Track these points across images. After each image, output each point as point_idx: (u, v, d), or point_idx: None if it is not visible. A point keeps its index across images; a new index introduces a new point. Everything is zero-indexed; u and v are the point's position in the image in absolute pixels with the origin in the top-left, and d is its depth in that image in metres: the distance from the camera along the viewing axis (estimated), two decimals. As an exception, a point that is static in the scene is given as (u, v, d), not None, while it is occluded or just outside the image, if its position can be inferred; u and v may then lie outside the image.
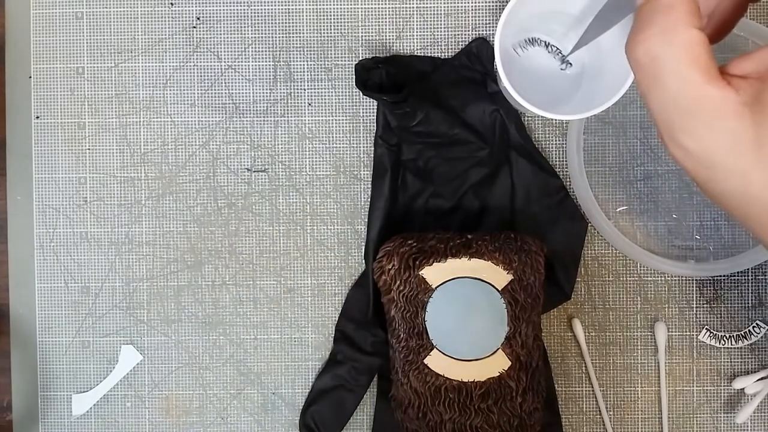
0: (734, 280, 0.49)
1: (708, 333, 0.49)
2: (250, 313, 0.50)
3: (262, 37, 0.50)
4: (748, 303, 0.50)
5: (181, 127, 0.50)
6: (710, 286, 0.50)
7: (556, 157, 0.50)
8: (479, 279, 0.45)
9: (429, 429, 0.45)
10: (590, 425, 0.50)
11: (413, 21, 0.50)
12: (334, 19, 0.50)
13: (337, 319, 0.50)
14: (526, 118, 0.49)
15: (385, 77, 0.48)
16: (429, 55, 0.49)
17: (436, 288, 0.45)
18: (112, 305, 0.50)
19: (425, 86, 0.48)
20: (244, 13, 0.50)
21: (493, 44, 0.43)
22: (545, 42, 0.47)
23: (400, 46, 0.50)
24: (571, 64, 0.46)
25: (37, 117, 0.50)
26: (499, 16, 0.42)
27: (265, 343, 0.50)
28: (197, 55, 0.50)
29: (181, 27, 0.50)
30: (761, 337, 0.49)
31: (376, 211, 0.48)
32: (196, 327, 0.50)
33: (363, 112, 0.50)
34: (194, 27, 0.50)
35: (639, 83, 0.34)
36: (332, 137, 0.50)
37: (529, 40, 0.47)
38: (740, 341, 0.49)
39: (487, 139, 0.48)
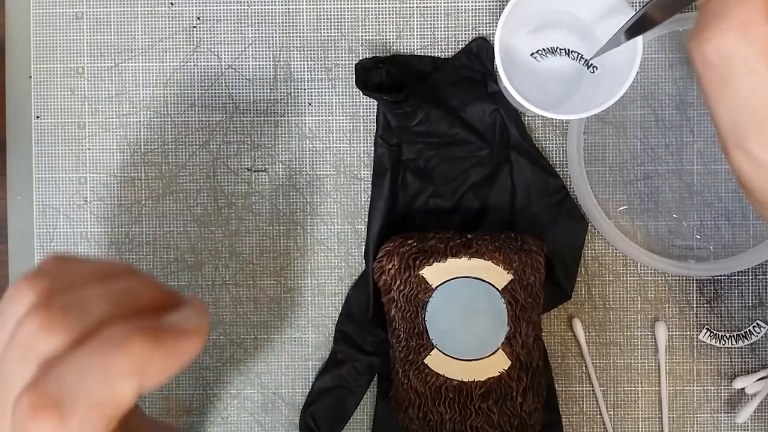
0: (734, 279, 0.49)
1: (708, 333, 0.49)
2: (250, 313, 0.50)
3: (262, 37, 0.50)
4: (749, 303, 0.49)
5: (181, 127, 0.50)
6: (710, 286, 0.50)
7: (556, 157, 0.50)
8: (479, 279, 0.45)
9: (429, 429, 0.45)
10: (590, 425, 0.50)
11: (413, 21, 0.50)
12: (334, 19, 0.50)
13: (337, 319, 0.50)
14: (526, 118, 0.49)
15: (385, 77, 0.48)
16: (429, 54, 0.49)
17: (436, 288, 0.45)
18: (112, 305, 0.50)
19: (425, 86, 0.48)
20: (244, 13, 0.50)
21: (493, 44, 0.43)
22: (566, 50, 0.46)
23: (400, 45, 0.50)
24: (597, 67, 0.46)
25: (38, 117, 0.50)
26: (499, 15, 0.42)
27: (265, 343, 0.50)
28: (197, 55, 0.50)
29: (181, 27, 0.50)
30: (761, 337, 0.49)
31: (376, 211, 0.48)
32: (196, 327, 0.50)
33: (363, 112, 0.50)
34: (194, 27, 0.50)
35: (705, 84, 0.30)
36: (332, 137, 0.50)
37: (550, 49, 0.46)
38: (740, 341, 0.49)
39: (487, 138, 0.48)
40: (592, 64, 0.46)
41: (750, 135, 0.29)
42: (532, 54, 0.47)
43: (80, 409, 0.22)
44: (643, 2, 0.49)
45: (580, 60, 0.46)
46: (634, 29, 0.38)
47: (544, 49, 0.47)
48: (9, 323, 0.25)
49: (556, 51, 0.46)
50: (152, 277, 0.27)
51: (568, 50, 0.46)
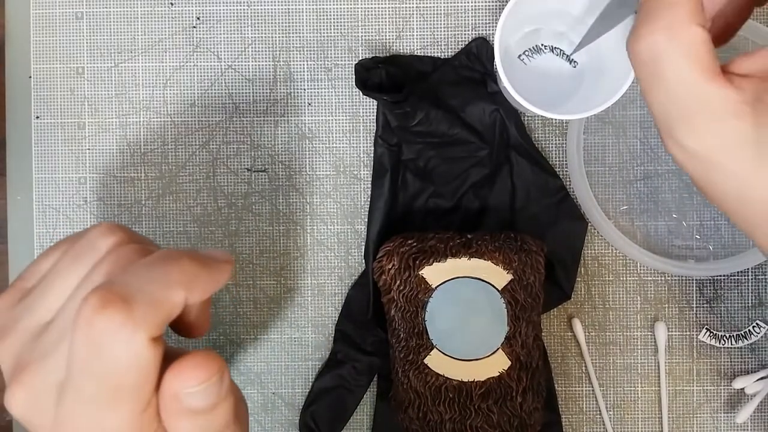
0: (734, 279, 0.49)
1: (708, 333, 0.49)
2: (250, 313, 0.50)
3: (262, 37, 0.50)
4: (749, 303, 0.49)
5: (181, 127, 0.50)
6: (710, 286, 0.50)
7: (555, 157, 0.50)
8: (479, 279, 0.45)
9: (429, 429, 0.45)
10: (590, 425, 0.50)
11: (413, 21, 0.50)
12: (334, 19, 0.50)
13: (337, 319, 0.50)
14: (525, 118, 0.49)
15: (385, 77, 0.48)
16: (429, 54, 0.49)
17: (436, 288, 0.45)
18: (112, 305, 0.50)
19: (425, 86, 0.48)
20: (244, 13, 0.50)
21: (493, 44, 0.43)
22: (550, 47, 0.47)
23: (400, 45, 0.50)
24: (577, 62, 0.46)
25: (37, 117, 0.50)
26: (499, 15, 0.42)
27: (265, 343, 0.50)
28: (197, 55, 0.50)
29: (181, 27, 0.50)
30: (761, 337, 0.49)
31: (376, 211, 0.48)
32: (196, 327, 0.50)
33: (363, 112, 0.50)
34: (194, 27, 0.50)
35: (640, 80, 0.33)
36: (332, 137, 0.50)
37: (535, 48, 0.47)
38: (740, 341, 0.49)
39: (487, 138, 0.48)
40: (573, 59, 0.46)
41: (678, 127, 0.32)
42: (519, 56, 0.47)
43: (142, 305, 0.26)
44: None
45: (562, 56, 0.46)
46: (604, 23, 0.40)
47: (530, 49, 0.47)
48: (95, 255, 0.31)
49: (540, 49, 0.47)
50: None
51: (552, 47, 0.47)
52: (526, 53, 0.47)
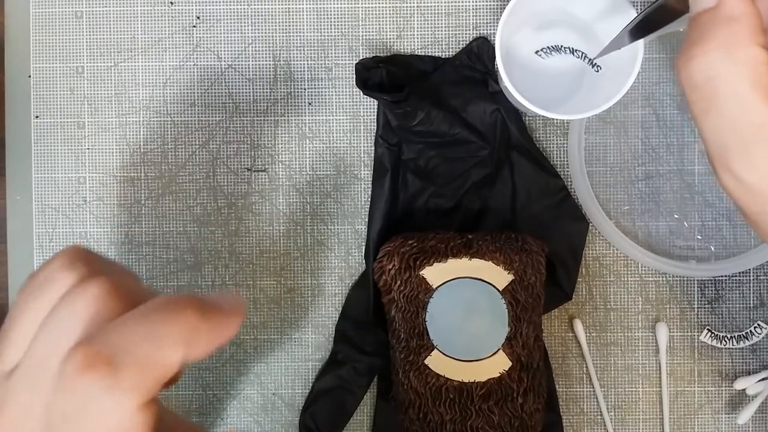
0: (736, 280, 0.49)
1: (709, 333, 0.49)
2: (250, 314, 0.50)
3: (262, 36, 0.50)
4: (750, 303, 0.49)
5: (181, 126, 0.50)
6: (712, 287, 0.49)
7: (557, 157, 0.50)
8: (480, 279, 0.44)
9: (429, 429, 0.44)
10: (591, 426, 0.50)
11: (414, 20, 0.50)
12: (334, 18, 0.50)
13: (337, 319, 0.49)
14: (527, 118, 0.49)
15: (386, 77, 0.47)
16: (430, 54, 0.49)
17: (436, 288, 0.44)
18: (111, 305, 0.50)
19: (426, 86, 0.48)
20: (244, 12, 0.50)
21: (494, 43, 0.43)
22: (570, 48, 0.46)
23: (400, 45, 0.50)
24: (600, 66, 0.45)
25: (37, 116, 0.50)
26: (500, 15, 0.42)
27: (265, 344, 0.50)
28: (197, 55, 0.50)
29: (180, 26, 0.50)
30: (763, 338, 0.49)
31: (376, 211, 0.48)
32: (196, 327, 0.50)
33: (363, 112, 0.50)
34: (194, 26, 0.50)
35: (691, 103, 0.30)
36: (332, 137, 0.50)
37: (555, 47, 0.46)
38: (742, 342, 0.49)
39: (487, 138, 0.48)
40: (596, 63, 0.45)
41: (735, 157, 0.29)
42: (536, 51, 0.46)
43: (130, 368, 0.23)
44: (644, 2, 0.49)
45: (584, 59, 0.46)
46: (637, 30, 0.37)
47: (549, 47, 0.46)
48: (56, 289, 0.26)
49: (561, 49, 0.46)
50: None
51: (573, 49, 0.46)
52: (545, 50, 0.46)
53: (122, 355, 0.24)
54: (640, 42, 0.42)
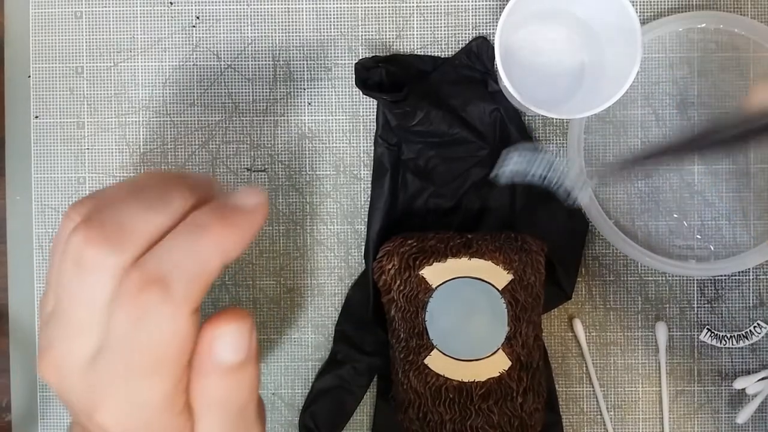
0: (735, 279, 0.49)
1: (709, 333, 0.49)
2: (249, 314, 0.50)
3: (261, 36, 0.50)
4: (749, 303, 0.49)
5: (181, 126, 0.50)
6: (711, 286, 0.49)
7: (556, 157, 0.50)
8: (479, 279, 0.44)
9: (429, 429, 0.44)
10: (591, 425, 0.50)
11: (413, 20, 0.50)
12: (334, 18, 0.50)
13: (336, 319, 0.49)
14: (526, 118, 0.49)
15: (385, 76, 0.47)
16: (429, 54, 0.49)
17: (436, 288, 0.44)
18: (111, 305, 0.50)
19: (425, 85, 0.48)
20: (244, 12, 0.50)
21: (494, 43, 0.43)
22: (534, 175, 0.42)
23: (400, 45, 0.50)
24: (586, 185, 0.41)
25: (36, 117, 0.50)
26: (500, 15, 0.42)
27: (264, 344, 0.50)
28: (197, 55, 0.50)
29: (180, 26, 0.50)
30: (762, 337, 0.49)
31: (376, 211, 0.48)
32: (196, 327, 0.50)
33: (363, 112, 0.50)
34: (194, 26, 0.50)
35: None
36: (332, 137, 0.50)
37: (538, 47, 0.42)
38: (741, 341, 0.49)
39: (487, 138, 0.48)
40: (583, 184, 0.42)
41: None
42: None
43: (179, 283, 0.27)
44: (643, 1, 0.49)
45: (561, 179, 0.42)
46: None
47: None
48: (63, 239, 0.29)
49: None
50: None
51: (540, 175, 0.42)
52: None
53: (170, 272, 0.27)
54: (640, 42, 0.42)
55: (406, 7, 0.50)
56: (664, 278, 0.50)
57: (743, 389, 0.49)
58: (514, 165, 0.38)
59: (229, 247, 0.28)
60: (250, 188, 0.30)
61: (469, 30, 0.50)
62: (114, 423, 0.28)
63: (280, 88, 0.50)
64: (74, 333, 0.28)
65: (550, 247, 0.46)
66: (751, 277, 0.49)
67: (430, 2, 0.49)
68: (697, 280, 0.49)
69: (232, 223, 0.28)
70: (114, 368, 0.28)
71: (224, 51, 0.50)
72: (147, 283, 0.27)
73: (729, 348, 0.49)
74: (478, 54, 0.48)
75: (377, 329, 0.48)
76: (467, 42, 0.49)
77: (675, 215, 0.49)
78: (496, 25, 0.42)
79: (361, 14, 0.50)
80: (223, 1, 0.50)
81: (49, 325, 0.29)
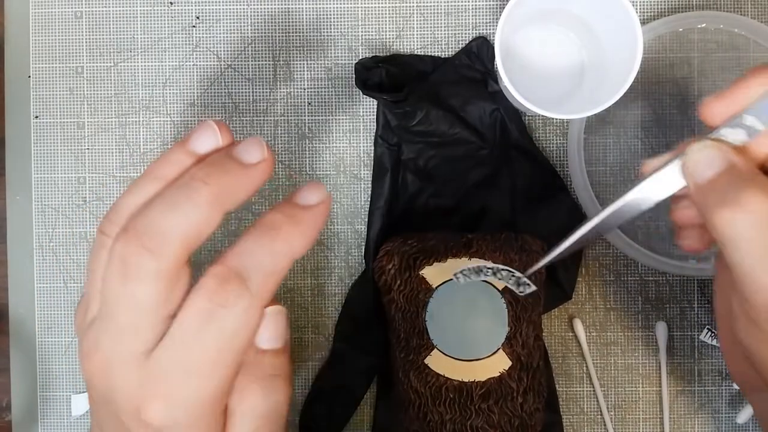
0: (735, 279, 0.49)
1: (709, 333, 0.49)
2: (249, 314, 0.50)
3: (261, 36, 0.50)
4: (750, 303, 0.49)
5: (181, 126, 0.50)
6: (711, 286, 0.49)
7: (556, 157, 0.50)
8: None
9: (429, 429, 0.44)
10: (591, 425, 0.50)
11: (413, 20, 0.50)
12: (334, 18, 0.50)
13: (337, 319, 0.49)
14: (526, 118, 0.49)
15: (385, 76, 0.47)
16: (429, 54, 0.49)
17: (436, 288, 0.44)
18: (111, 305, 0.50)
19: (425, 85, 0.48)
20: (244, 12, 0.50)
21: (494, 43, 0.43)
22: (493, 269, 0.41)
23: (400, 45, 0.50)
24: (529, 285, 0.41)
25: (37, 117, 0.50)
26: (500, 15, 0.42)
27: (264, 344, 0.50)
28: (197, 55, 0.50)
29: (180, 26, 0.50)
30: (763, 337, 0.49)
31: (376, 211, 0.48)
32: (196, 327, 0.50)
33: (363, 112, 0.50)
34: (194, 26, 0.50)
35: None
36: (332, 137, 0.50)
37: (476, 269, 0.42)
38: (742, 341, 0.49)
39: (487, 138, 0.48)
40: (524, 281, 0.41)
41: None
42: (455, 274, 0.41)
43: (257, 278, 0.30)
44: (642, 1, 0.49)
45: (510, 279, 0.42)
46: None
47: (469, 269, 0.42)
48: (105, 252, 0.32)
49: (480, 271, 0.42)
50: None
51: (496, 269, 0.41)
52: (464, 273, 0.42)
53: (248, 268, 0.30)
54: (640, 42, 0.42)
55: (406, 7, 0.50)
56: (664, 278, 0.50)
57: (743, 389, 0.49)
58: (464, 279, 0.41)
59: (298, 244, 0.31)
60: (313, 184, 0.32)
61: (469, 30, 0.50)
62: (162, 417, 0.29)
63: (280, 88, 0.50)
64: (124, 334, 0.30)
65: (550, 247, 0.46)
66: (751, 277, 0.49)
67: (430, 2, 0.49)
68: (697, 280, 0.49)
69: (299, 221, 0.31)
70: (172, 365, 0.29)
71: (224, 51, 0.50)
72: (227, 277, 0.29)
73: (729, 348, 0.49)
74: (479, 54, 0.48)
75: (377, 329, 0.48)
76: (467, 42, 0.49)
77: (675, 215, 0.49)
78: (496, 25, 0.42)
79: (361, 14, 0.50)
80: (223, 1, 0.50)
81: (94, 329, 0.31)
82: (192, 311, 0.29)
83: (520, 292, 0.41)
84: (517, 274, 0.41)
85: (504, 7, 0.42)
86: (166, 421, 0.29)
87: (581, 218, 0.49)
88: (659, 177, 0.35)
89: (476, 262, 0.43)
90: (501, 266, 0.41)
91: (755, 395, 0.37)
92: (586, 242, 0.38)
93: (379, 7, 0.50)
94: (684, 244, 0.37)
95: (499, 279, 0.41)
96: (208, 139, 0.32)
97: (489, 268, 0.41)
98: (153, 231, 0.29)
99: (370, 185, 0.49)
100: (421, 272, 0.44)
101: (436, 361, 0.44)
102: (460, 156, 0.48)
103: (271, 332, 0.32)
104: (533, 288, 0.41)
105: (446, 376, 0.44)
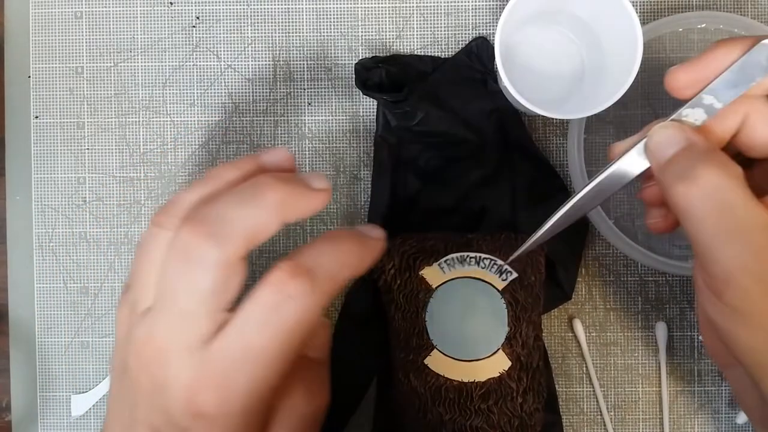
0: (735, 280, 0.49)
1: (709, 333, 0.49)
2: (249, 314, 0.50)
3: (261, 36, 0.50)
4: (750, 303, 0.49)
5: (181, 126, 0.50)
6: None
7: (556, 157, 0.50)
8: (479, 279, 0.44)
9: (429, 429, 0.44)
10: (591, 426, 0.50)
11: (413, 20, 0.50)
12: (334, 18, 0.50)
13: (337, 319, 0.49)
14: (526, 118, 0.49)
15: (385, 77, 0.47)
16: (429, 54, 0.49)
17: (436, 288, 0.44)
18: (111, 305, 0.50)
19: (425, 86, 0.48)
20: (244, 12, 0.50)
21: (494, 43, 0.43)
22: (476, 258, 0.44)
23: (400, 45, 0.50)
24: (511, 272, 0.44)
25: (37, 117, 0.50)
26: (500, 15, 0.42)
27: (264, 344, 0.50)
28: (197, 55, 0.50)
29: (180, 26, 0.50)
30: (763, 338, 0.49)
31: (376, 211, 0.48)
32: (196, 327, 0.50)
33: (363, 112, 0.50)
34: (194, 26, 0.50)
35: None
36: (332, 137, 0.50)
37: (460, 258, 0.44)
38: (741, 341, 0.49)
39: (487, 138, 0.48)
40: (506, 268, 0.44)
41: None
42: (439, 263, 0.44)
43: (325, 278, 0.31)
44: (642, 1, 0.49)
45: (492, 268, 0.44)
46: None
47: (453, 258, 0.44)
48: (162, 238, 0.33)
49: (465, 260, 0.44)
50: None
51: (479, 258, 0.44)
52: (447, 262, 0.44)
53: (317, 268, 0.31)
54: (640, 42, 0.42)
55: (406, 7, 0.50)
56: (664, 278, 0.50)
57: (743, 389, 0.49)
58: None
59: (361, 261, 0.34)
60: (374, 227, 0.36)
61: (469, 30, 0.50)
62: (215, 406, 0.30)
63: (280, 88, 0.50)
64: (183, 322, 0.31)
65: (550, 247, 0.46)
66: (751, 278, 0.49)
67: (430, 2, 0.49)
68: (697, 280, 0.49)
69: (366, 245, 0.34)
70: (231, 354, 0.30)
71: (224, 51, 0.50)
72: (296, 272, 0.31)
73: (729, 348, 0.49)
74: (478, 54, 0.48)
75: (377, 329, 0.48)
76: (467, 42, 0.49)
77: (675, 215, 0.49)
78: (496, 25, 0.42)
79: (361, 14, 0.50)
80: (223, 1, 0.50)
81: (148, 319, 0.32)
82: (260, 302, 0.31)
83: (503, 280, 0.42)
84: (499, 262, 0.43)
85: (504, 7, 0.42)
86: (219, 410, 0.30)
87: (581, 218, 0.49)
88: (626, 159, 0.37)
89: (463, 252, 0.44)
90: (484, 255, 0.43)
91: (728, 371, 0.38)
92: (561, 227, 0.40)
93: (379, 7, 0.50)
94: (651, 224, 0.39)
95: (482, 268, 0.43)
96: (280, 160, 0.35)
97: (472, 257, 0.43)
98: (219, 220, 0.31)
99: (370, 185, 0.49)
100: (420, 272, 0.44)
101: (435, 362, 0.44)
102: (460, 156, 0.48)
103: (318, 341, 0.34)
104: (515, 275, 0.43)
105: (446, 376, 0.44)
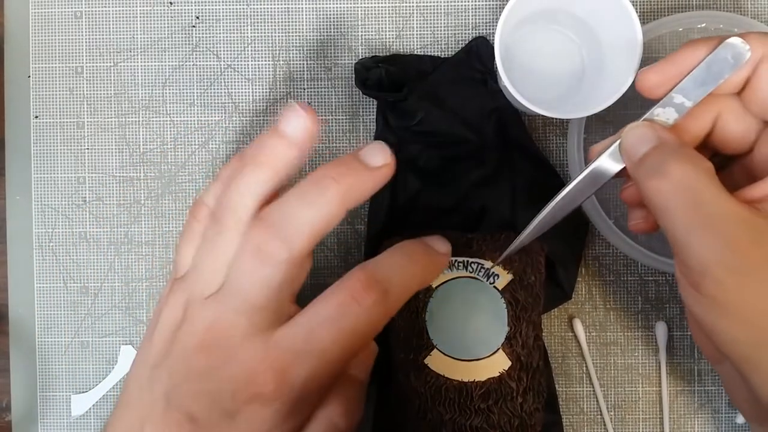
0: (735, 279, 0.49)
1: (709, 333, 0.49)
2: (249, 314, 0.50)
3: (261, 36, 0.50)
4: (750, 303, 0.49)
5: (181, 126, 0.50)
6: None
7: (556, 157, 0.50)
8: (480, 279, 0.44)
9: (429, 429, 0.44)
10: (591, 425, 0.50)
11: (413, 20, 0.50)
12: (334, 18, 0.50)
13: (337, 319, 0.49)
14: (526, 118, 0.49)
15: (385, 76, 0.47)
16: (429, 54, 0.49)
17: (436, 288, 0.44)
18: (111, 305, 0.50)
19: (425, 85, 0.48)
20: (244, 12, 0.50)
21: (493, 43, 0.43)
22: (464, 262, 0.44)
23: (399, 45, 0.50)
24: (498, 276, 0.44)
25: (36, 117, 0.50)
26: (500, 15, 0.42)
27: (264, 344, 0.50)
28: (196, 55, 0.50)
29: (180, 26, 0.50)
30: (763, 337, 0.49)
31: (376, 211, 0.48)
32: (196, 327, 0.50)
33: (363, 112, 0.50)
34: (193, 26, 0.50)
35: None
36: (332, 137, 0.50)
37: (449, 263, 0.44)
38: (741, 341, 0.49)
39: (487, 138, 0.48)
40: (493, 272, 0.44)
41: None
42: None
43: (396, 290, 0.34)
44: (642, 1, 0.49)
45: (480, 272, 0.44)
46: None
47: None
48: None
49: (452, 265, 0.44)
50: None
51: (467, 262, 0.44)
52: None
53: (390, 279, 0.34)
54: (639, 42, 0.42)
55: (406, 7, 0.50)
56: (664, 278, 0.50)
57: (743, 389, 0.49)
58: None
59: (427, 277, 0.37)
60: (443, 241, 0.38)
61: (469, 30, 0.50)
62: (272, 390, 0.32)
63: (279, 88, 0.50)
64: (253, 311, 0.33)
65: (550, 246, 0.46)
66: (751, 277, 0.49)
67: (430, 2, 0.49)
68: (697, 280, 0.49)
69: (433, 259, 0.37)
70: (296, 344, 0.32)
71: (224, 51, 0.50)
72: (372, 286, 0.33)
73: (729, 348, 0.49)
74: (478, 54, 0.48)
75: (377, 329, 0.48)
76: (467, 42, 0.49)
77: (675, 215, 0.49)
78: (496, 25, 0.42)
79: (361, 14, 0.50)
80: (223, 1, 0.50)
81: (214, 304, 0.33)
82: (332, 303, 0.33)
83: (490, 283, 0.43)
84: (487, 265, 0.44)
85: (504, 7, 0.42)
86: (274, 394, 0.32)
87: (581, 218, 0.49)
88: (603, 159, 0.38)
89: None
90: (471, 259, 0.44)
91: (719, 367, 0.38)
92: (546, 227, 0.41)
93: (379, 7, 0.50)
94: (632, 225, 0.40)
95: (470, 272, 0.44)
96: (297, 121, 0.35)
97: (460, 262, 0.44)
98: (287, 223, 0.33)
99: (369, 185, 0.49)
100: (420, 272, 0.44)
101: (435, 361, 0.44)
102: (460, 156, 0.48)
103: (363, 359, 0.36)
104: (510, 277, 0.44)
105: (446, 376, 0.44)
